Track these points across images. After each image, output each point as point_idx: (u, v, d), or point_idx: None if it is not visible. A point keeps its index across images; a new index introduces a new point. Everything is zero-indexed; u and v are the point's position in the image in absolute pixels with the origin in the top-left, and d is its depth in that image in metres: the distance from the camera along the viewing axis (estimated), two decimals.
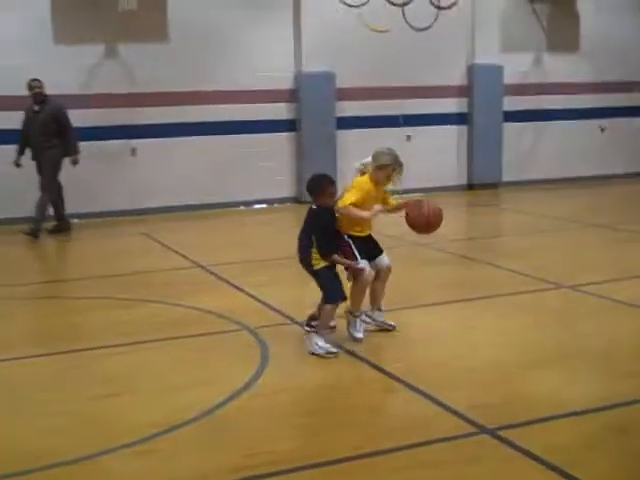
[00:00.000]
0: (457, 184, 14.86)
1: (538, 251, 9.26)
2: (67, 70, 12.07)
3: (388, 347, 5.92)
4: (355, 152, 13.24)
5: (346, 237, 5.95)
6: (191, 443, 4.37)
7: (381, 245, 6.18)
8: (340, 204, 5.91)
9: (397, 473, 3.98)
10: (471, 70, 14.64)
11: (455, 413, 4.64)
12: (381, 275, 6.14)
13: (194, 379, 5.34)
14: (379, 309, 6.23)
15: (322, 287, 5.82)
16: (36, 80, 11.03)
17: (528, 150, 15.46)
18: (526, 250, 9.34)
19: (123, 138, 12.67)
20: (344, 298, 5.83)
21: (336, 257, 5.77)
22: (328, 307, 5.79)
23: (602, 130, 15.94)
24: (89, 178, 12.33)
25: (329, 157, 13.39)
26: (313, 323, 5.97)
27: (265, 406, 4.87)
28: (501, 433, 4.33)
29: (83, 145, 12.11)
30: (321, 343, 5.71)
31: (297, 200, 13.46)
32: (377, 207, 5.94)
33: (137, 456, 4.24)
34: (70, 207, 11.89)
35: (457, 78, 14.69)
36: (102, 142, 12.51)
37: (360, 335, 5.99)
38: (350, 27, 12.76)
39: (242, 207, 13.35)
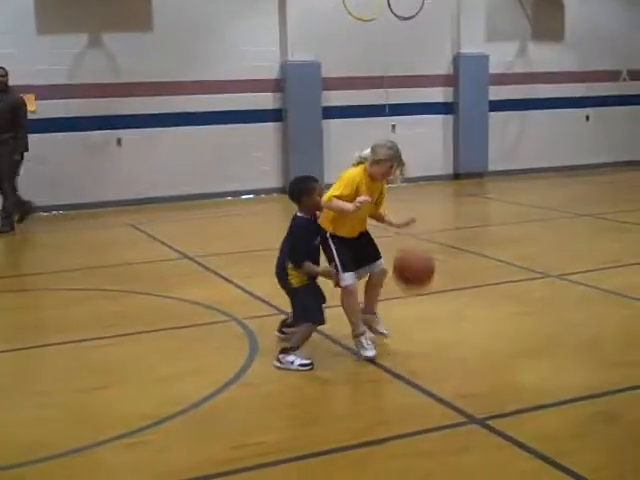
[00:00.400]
0: (443, 174, 14.88)
1: (525, 240, 9.29)
2: (51, 60, 12.00)
3: (378, 338, 5.90)
4: (341, 141, 13.39)
5: (330, 241, 5.36)
6: (181, 435, 4.37)
7: (378, 250, 5.61)
8: (324, 198, 5.28)
9: (387, 463, 3.98)
10: (457, 59, 14.64)
11: (444, 403, 4.65)
12: (373, 279, 5.61)
13: (183, 370, 5.32)
14: (372, 313, 5.74)
15: (297, 309, 5.36)
16: (1, 68, 10.68)
17: (514, 139, 15.49)
18: (513, 239, 9.36)
19: (108, 128, 12.60)
20: (322, 322, 5.33)
21: (308, 265, 5.20)
22: (304, 326, 5.32)
23: (587, 119, 15.98)
24: (74, 169, 12.30)
25: (315, 147, 13.39)
26: (285, 329, 5.71)
27: (255, 397, 4.87)
28: (490, 422, 4.35)
29: (68, 135, 12.13)
30: (291, 358, 5.25)
31: (284, 190, 13.43)
32: (361, 197, 5.18)
33: (127, 448, 4.23)
34: (55, 199, 11.90)
35: (443, 67, 14.70)
36: (87, 132, 12.46)
37: (371, 353, 5.35)
38: (335, 16, 12.76)
39: (229, 198, 13.32)
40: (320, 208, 5.33)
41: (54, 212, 12.19)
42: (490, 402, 4.65)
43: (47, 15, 12.01)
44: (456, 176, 14.95)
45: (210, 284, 7.66)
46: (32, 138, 11.29)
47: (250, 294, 7.16)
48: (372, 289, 5.68)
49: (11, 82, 10.85)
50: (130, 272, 8.27)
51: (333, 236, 5.38)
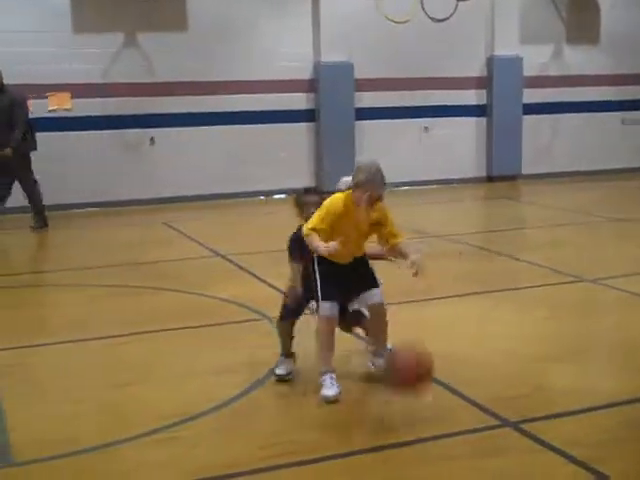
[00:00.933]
0: (476, 176, 14.80)
1: (557, 244, 9.21)
2: (86, 59, 12.12)
3: (406, 340, 5.86)
4: (374, 142, 13.38)
5: (316, 266, 4.79)
6: (211, 432, 4.38)
7: (375, 278, 4.91)
8: (304, 230, 4.72)
9: (419, 465, 3.96)
10: (490, 61, 14.56)
11: (477, 406, 4.61)
12: (371, 314, 4.96)
13: (214, 368, 5.34)
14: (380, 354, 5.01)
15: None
16: None
17: (547, 142, 15.37)
18: (545, 243, 9.30)
19: (142, 127, 12.69)
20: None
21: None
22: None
23: (623, 122, 15.81)
24: (108, 167, 12.40)
25: (347, 147, 13.37)
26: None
27: (285, 396, 4.87)
28: (523, 426, 4.31)
29: (102, 134, 12.22)
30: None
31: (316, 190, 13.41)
32: (332, 243, 4.51)
33: (157, 444, 4.24)
34: (89, 196, 12.00)
35: (476, 69, 14.62)
36: (121, 131, 12.56)
37: (329, 392, 4.72)
38: (369, 18, 12.75)
39: (261, 197, 13.35)
40: None
41: (87, 209, 12.31)
42: (522, 406, 4.61)
43: (83, 15, 12.13)
44: (489, 179, 14.87)
45: (242, 282, 7.67)
46: (67, 136, 11.43)
47: (283, 293, 7.12)
48: (371, 323, 5.04)
49: (46, 81, 10.97)
50: (161, 270, 8.31)
51: (320, 260, 4.78)
